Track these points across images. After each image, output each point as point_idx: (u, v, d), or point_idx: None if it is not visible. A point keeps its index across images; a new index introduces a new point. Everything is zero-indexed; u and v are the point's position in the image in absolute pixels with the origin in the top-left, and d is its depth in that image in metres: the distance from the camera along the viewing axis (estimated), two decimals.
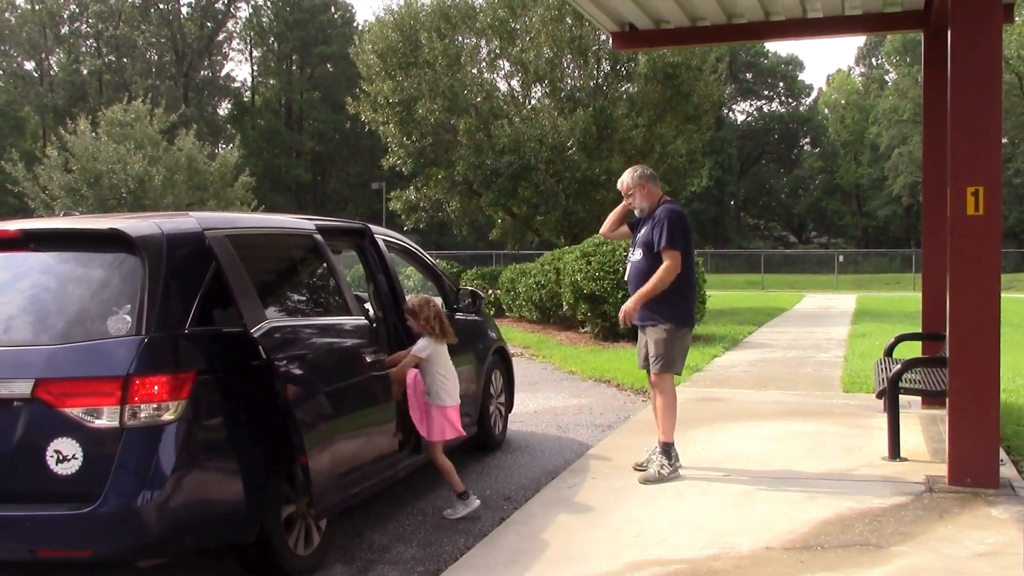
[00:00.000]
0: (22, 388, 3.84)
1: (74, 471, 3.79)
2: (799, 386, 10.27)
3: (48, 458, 3.80)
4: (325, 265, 5.32)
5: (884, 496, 5.49)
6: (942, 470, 5.79)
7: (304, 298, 5.33)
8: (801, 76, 77.90)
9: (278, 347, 4.35)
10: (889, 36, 56.16)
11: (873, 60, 75.40)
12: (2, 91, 58.93)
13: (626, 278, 6.38)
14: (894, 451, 6.41)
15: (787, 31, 8.80)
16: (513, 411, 8.02)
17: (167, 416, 3.86)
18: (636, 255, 6.22)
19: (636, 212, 6.36)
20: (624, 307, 6.13)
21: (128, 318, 3.97)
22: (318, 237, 5.32)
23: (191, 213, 4.69)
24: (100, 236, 4.33)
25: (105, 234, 4.28)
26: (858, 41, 78.24)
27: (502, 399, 7.67)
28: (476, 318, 7.34)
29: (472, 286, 17.09)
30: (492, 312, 20.46)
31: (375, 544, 5.11)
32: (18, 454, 3.84)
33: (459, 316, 7.00)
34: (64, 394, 3.82)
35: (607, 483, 5.94)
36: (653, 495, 5.63)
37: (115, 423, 3.80)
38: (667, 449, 6.07)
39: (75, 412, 3.81)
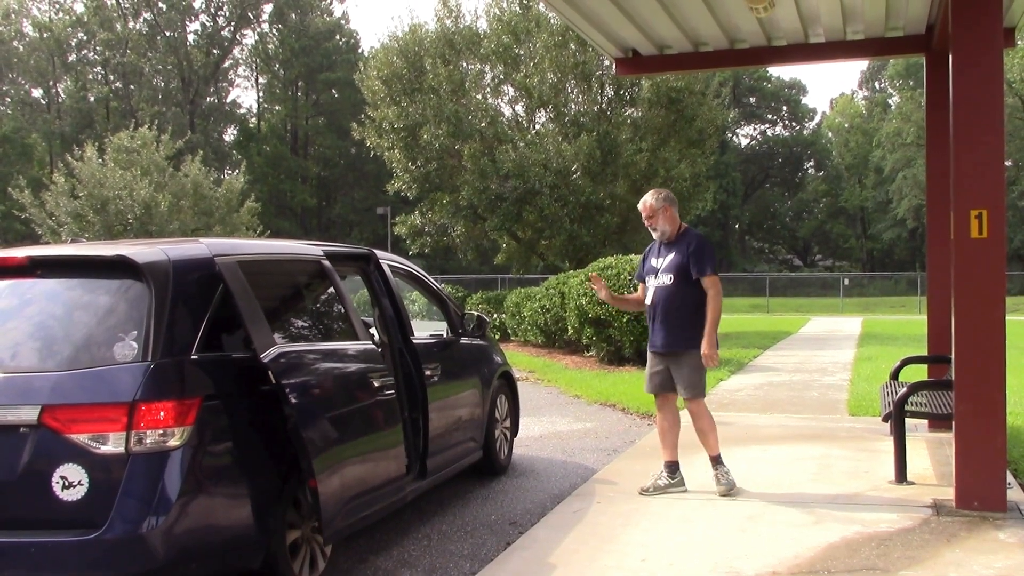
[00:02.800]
0: (28, 414, 3.85)
1: (80, 497, 3.79)
2: (805, 409, 10.24)
3: (54, 484, 3.80)
4: (333, 290, 5.35)
5: (891, 520, 5.47)
6: (949, 494, 5.76)
7: (312, 323, 5.35)
8: (804, 100, 78.35)
9: (287, 372, 4.36)
10: (892, 60, 56.37)
11: (876, 84, 75.68)
12: (10, 118, 59.28)
13: (648, 302, 6.30)
14: (901, 475, 6.39)
15: (789, 56, 8.85)
16: (518, 435, 8.01)
17: (173, 442, 3.87)
18: (665, 279, 6.17)
19: (656, 236, 6.34)
20: (708, 350, 6.00)
21: (134, 344, 3.99)
22: (326, 263, 5.35)
23: (201, 239, 4.72)
24: (106, 263, 4.35)
25: (111, 261, 4.30)
26: (861, 65, 78.49)
27: (507, 423, 7.66)
28: (481, 342, 7.34)
29: (477, 310, 17.10)
30: (497, 336, 20.45)
31: (380, 569, 5.10)
32: (24, 480, 3.85)
33: (464, 341, 7.01)
34: (70, 420, 3.83)
35: (613, 507, 5.93)
36: (659, 519, 5.61)
37: (121, 449, 3.80)
38: (719, 460, 6.25)
39: (81, 438, 3.81)
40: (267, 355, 4.27)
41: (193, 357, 4.11)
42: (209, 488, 4.04)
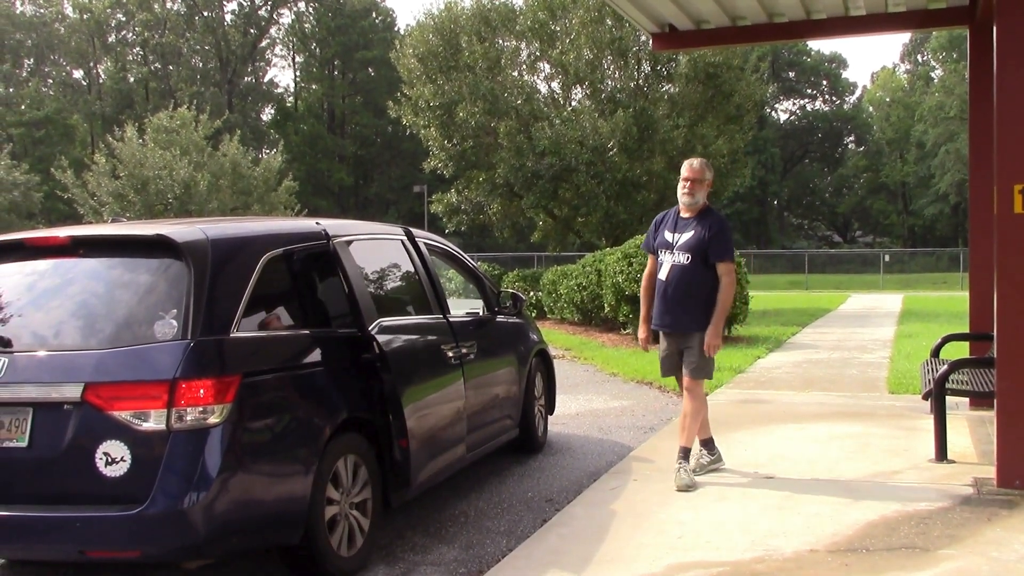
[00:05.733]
0: (72, 392, 3.92)
1: (123, 473, 3.86)
2: (844, 387, 10.16)
3: (97, 460, 3.87)
4: (412, 267, 5.89)
5: (931, 499, 5.42)
6: (990, 472, 5.70)
7: (401, 297, 5.88)
8: (845, 74, 77.10)
9: (388, 342, 4.93)
10: (934, 32, 55.35)
11: (919, 57, 74.31)
12: (52, 99, 60.04)
13: (662, 277, 5.99)
14: (941, 453, 6.32)
15: (829, 29, 8.72)
16: (555, 413, 8.02)
17: (213, 419, 3.92)
18: (681, 258, 5.90)
19: (686, 202, 5.98)
20: (712, 340, 5.81)
21: (174, 323, 4.04)
22: (407, 241, 5.92)
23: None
24: (147, 242, 4.41)
25: (151, 240, 4.36)
26: (903, 37, 77.08)
27: (543, 401, 7.67)
28: (517, 320, 7.34)
29: (513, 288, 17.13)
30: (533, 314, 20.47)
31: (417, 545, 5.14)
32: (68, 456, 3.92)
33: (500, 319, 7.02)
34: (113, 397, 3.89)
35: (649, 485, 5.93)
36: (696, 497, 5.60)
37: (162, 426, 3.86)
38: (688, 454, 5.99)
39: (123, 415, 3.87)
40: (373, 327, 4.86)
41: (232, 336, 4.15)
42: (249, 464, 4.09)
